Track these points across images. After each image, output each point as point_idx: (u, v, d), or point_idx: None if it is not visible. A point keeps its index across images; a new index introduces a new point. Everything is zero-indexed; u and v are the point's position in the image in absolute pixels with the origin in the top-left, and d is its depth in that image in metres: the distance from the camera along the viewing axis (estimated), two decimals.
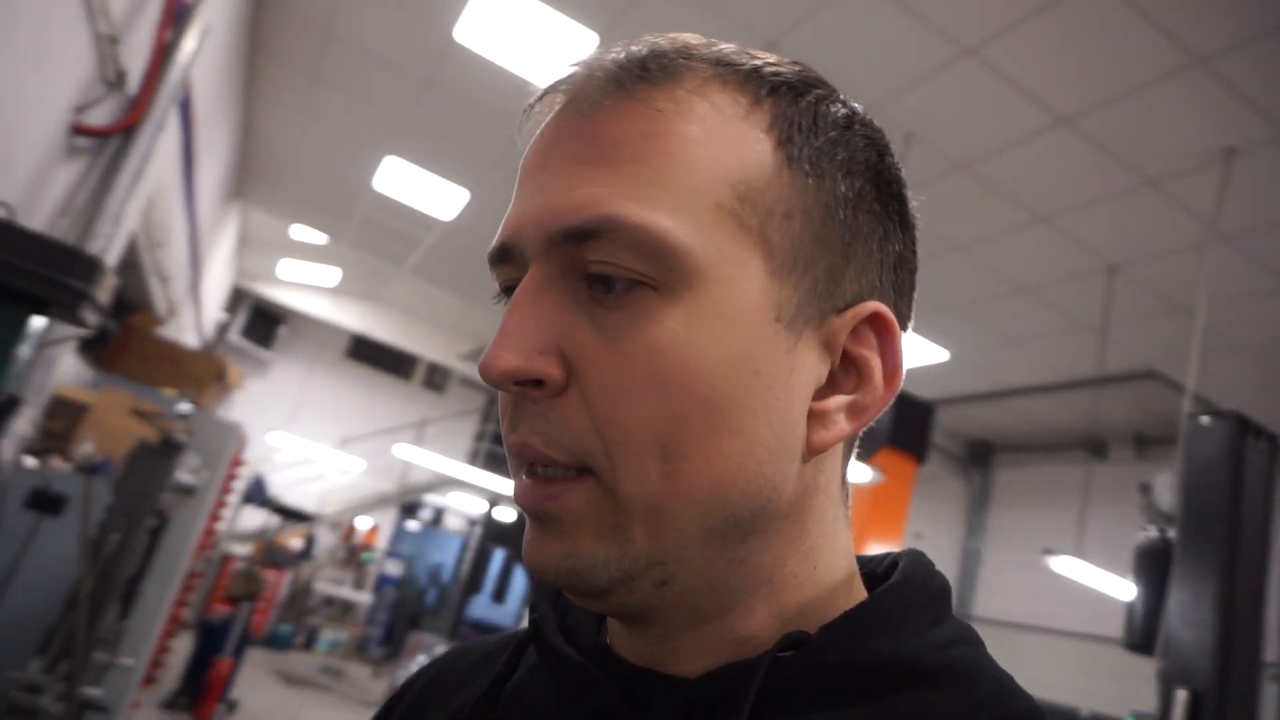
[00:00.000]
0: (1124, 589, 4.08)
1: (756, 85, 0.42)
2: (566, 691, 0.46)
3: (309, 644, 10.96)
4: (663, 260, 0.39)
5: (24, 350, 1.17)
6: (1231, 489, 2.95)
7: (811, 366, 0.42)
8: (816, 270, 0.42)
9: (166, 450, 2.75)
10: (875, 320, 0.43)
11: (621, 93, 0.41)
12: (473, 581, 10.75)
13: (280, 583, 10.50)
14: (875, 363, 0.43)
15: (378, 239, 7.56)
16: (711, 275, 0.39)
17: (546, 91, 0.45)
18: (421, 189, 6.06)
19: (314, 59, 4.83)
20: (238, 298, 10.82)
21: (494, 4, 3.82)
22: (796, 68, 0.44)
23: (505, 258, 0.43)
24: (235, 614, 6.49)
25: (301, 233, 8.13)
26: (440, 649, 5.08)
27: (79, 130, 2.55)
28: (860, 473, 4.86)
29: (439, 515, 13.34)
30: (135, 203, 3.31)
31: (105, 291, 1.26)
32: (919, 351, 6.12)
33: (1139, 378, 5.65)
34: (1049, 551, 5.01)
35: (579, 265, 0.40)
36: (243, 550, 9.95)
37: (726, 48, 0.44)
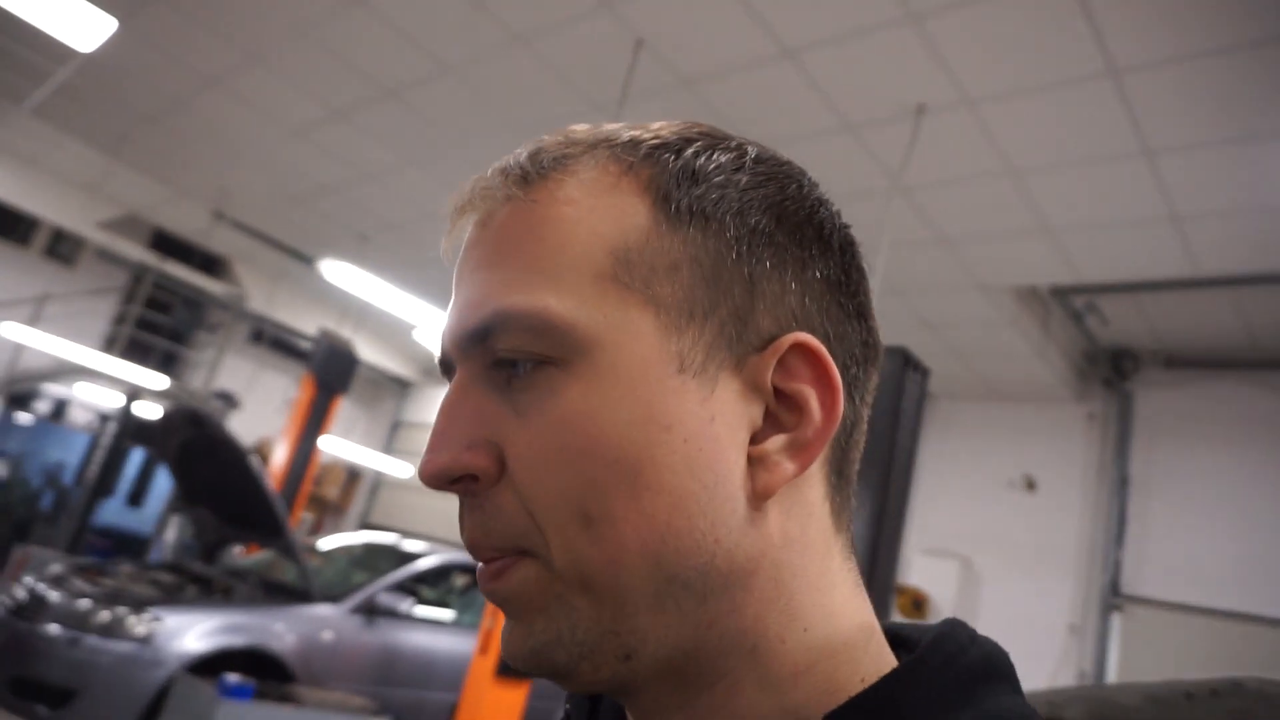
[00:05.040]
0: None
1: (629, 153, 0.44)
2: None
3: None
4: (553, 337, 0.40)
5: None
6: (892, 415, 3.27)
7: (737, 411, 0.42)
8: (720, 314, 0.42)
9: None
10: (803, 351, 0.42)
11: (508, 196, 0.44)
12: (103, 484, 9.35)
13: None
14: (810, 394, 0.42)
15: None
16: (601, 342, 0.40)
17: (458, 211, 0.47)
18: (53, 6, 4.82)
19: None
20: None
21: None
22: (679, 127, 0.46)
23: (445, 370, 0.46)
24: None
25: None
26: (56, 566, 4.31)
27: None
28: None
29: (61, 408, 11.42)
30: None
31: None
32: None
33: None
34: None
35: (491, 358, 0.42)
36: None
37: (614, 128, 0.45)
